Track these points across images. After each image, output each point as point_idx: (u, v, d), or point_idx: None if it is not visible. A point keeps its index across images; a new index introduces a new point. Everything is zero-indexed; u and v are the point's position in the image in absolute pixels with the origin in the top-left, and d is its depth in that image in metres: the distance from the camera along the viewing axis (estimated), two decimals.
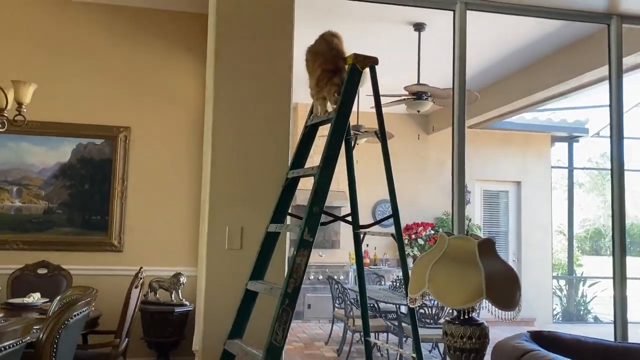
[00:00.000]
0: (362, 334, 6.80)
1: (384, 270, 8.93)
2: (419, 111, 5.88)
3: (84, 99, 4.92)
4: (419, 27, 5.56)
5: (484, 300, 2.03)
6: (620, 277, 4.18)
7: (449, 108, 6.23)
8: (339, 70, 2.47)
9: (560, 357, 2.52)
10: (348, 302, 6.42)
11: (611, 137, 4.37)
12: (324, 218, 2.47)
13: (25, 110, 3.79)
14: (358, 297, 6.66)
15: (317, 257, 8.42)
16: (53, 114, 4.77)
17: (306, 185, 2.75)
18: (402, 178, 2.73)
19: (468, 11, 3.91)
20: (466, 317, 2.15)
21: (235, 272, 2.86)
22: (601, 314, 9.82)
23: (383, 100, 2.77)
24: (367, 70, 2.57)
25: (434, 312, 5.84)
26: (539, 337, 2.85)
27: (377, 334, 6.33)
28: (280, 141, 3.05)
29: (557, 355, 2.55)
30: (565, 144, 10.54)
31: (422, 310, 5.76)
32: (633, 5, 4.11)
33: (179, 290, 4.65)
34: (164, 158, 5.03)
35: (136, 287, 3.77)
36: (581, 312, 10.13)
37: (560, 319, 10.00)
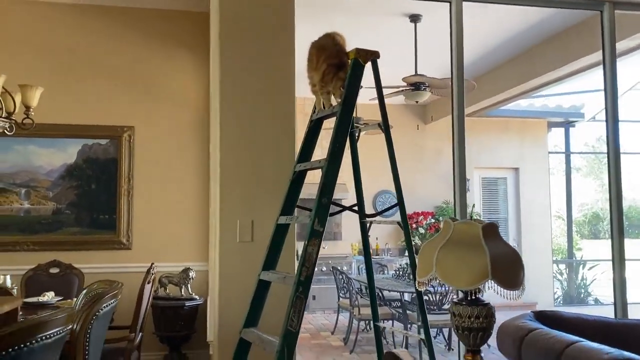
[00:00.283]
0: (367, 322, 6.95)
1: (387, 260, 9.03)
2: (417, 102, 5.96)
3: (88, 100, 5.00)
4: (414, 18, 5.64)
5: (490, 281, 2.12)
6: (619, 259, 4.27)
7: (446, 98, 6.32)
8: (344, 65, 2.55)
9: (563, 334, 2.62)
10: (353, 292, 6.52)
11: (607, 121, 4.45)
12: (332, 209, 2.56)
13: (33, 113, 3.86)
14: (362, 286, 6.80)
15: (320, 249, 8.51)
16: (58, 116, 4.85)
17: (310, 179, 2.84)
18: (400, 168, 2.80)
19: (464, 2, 3.99)
20: (473, 298, 2.25)
21: (247, 263, 2.95)
22: (601, 296, 9.95)
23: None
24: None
25: (437, 298, 5.95)
26: (542, 317, 2.96)
27: (382, 321, 6.44)
28: (286, 136, 3.13)
29: (560, 332, 2.66)
30: (562, 129, 10.63)
31: (426, 297, 5.87)
32: None
33: (189, 285, 4.75)
34: (168, 156, 5.11)
35: (148, 283, 3.86)
36: (582, 295, 10.26)
37: (561, 302, 10.14)
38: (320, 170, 2.49)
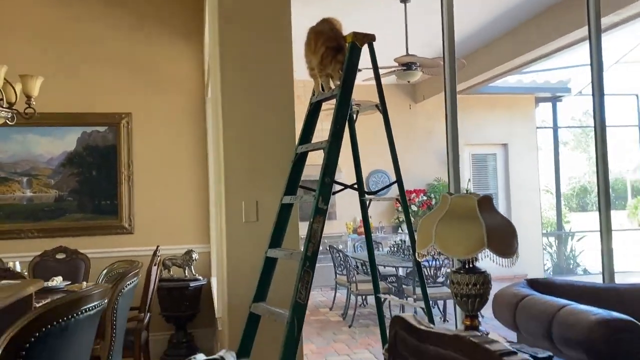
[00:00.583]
0: (364, 297, 7.13)
1: (381, 237, 9.22)
2: (409, 81, 6.07)
3: (85, 88, 5.05)
4: None
5: (486, 250, 2.27)
6: (606, 230, 4.44)
7: (436, 77, 6.43)
8: (342, 48, 2.65)
9: (555, 299, 2.79)
10: (350, 269, 6.70)
11: (593, 94, 4.58)
12: (334, 188, 2.68)
13: (34, 103, 3.93)
14: (357, 263, 6.97)
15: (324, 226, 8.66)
16: (56, 105, 4.90)
17: (310, 161, 2.95)
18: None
19: None
20: (470, 266, 2.40)
21: (253, 242, 3.07)
22: (590, 266, 10.23)
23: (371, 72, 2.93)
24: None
25: (432, 272, 6.13)
26: (535, 284, 3.13)
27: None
28: (286, 118, 3.23)
29: (552, 297, 2.83)
30: (549, 104, 10.80)
31: None
32: None
33: (192, 266, 4.88)
34: (166, 141, 5.20)
35: (155, 265, 3.98)
36: (571, 266, 10.54)
37: (551, 273, 10.41)
38: (320, 151, 2.61)
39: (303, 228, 2.96)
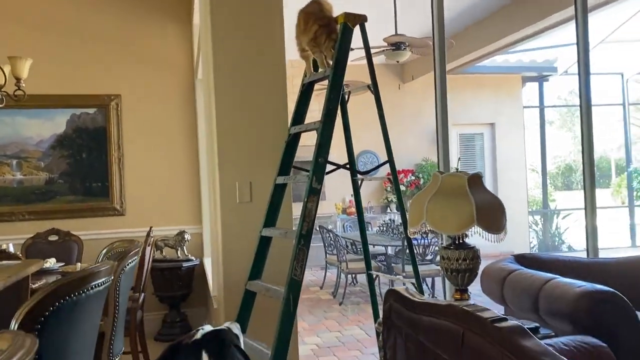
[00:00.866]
0: (353, 276, 7.24)
1: (370, 217, 9.32)
2: (398, 61, 6.10)
3: (74, 70, 5.02)
4: None
5: (475, 226, 2.34)
6: (590, 208, 4.54)
7: (425, 57, 6.46)
8: (334, 29, 2.68)
9: (540, 273, 2.89)
10: (340, 248, 6.79)
11: (579, 74, 4.64)
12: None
13: (24, 85, 3.91)
14: (347, 242, 7.06)
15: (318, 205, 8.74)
16: (45, 87, 4.87)
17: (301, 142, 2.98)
18: (380, 128, 2.98)
19: None
20: (460, 242, 2.47)
21: (247, 222, 3.13)
22: (574, 243, 10.44)
23: (362, 52, 2.97)
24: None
25: (421, 250, 6.24)
26: (522, 259, 3.23)
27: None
28: (279, 99, 3.26)
29: (538, 271, 2.93)
30: (536, 84, 10.89)
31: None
32: None
33: (184, 247, 4.93)
34: (156, 122, 5.20)
35: (149, 246, 4.02)
36: (556, 243, 10.75)
37: (537, 250, 10.60)
38: (310, 133, 2.65)
39: (295, 209, 3.02)
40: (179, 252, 4.92)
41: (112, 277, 1.80)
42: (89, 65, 5.05)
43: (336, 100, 2.64)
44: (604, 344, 2.21)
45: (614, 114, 11.98)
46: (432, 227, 2.44)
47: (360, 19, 2.79)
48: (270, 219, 2.89)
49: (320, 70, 2.82)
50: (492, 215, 2.41)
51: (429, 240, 6.25)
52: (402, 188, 9.73)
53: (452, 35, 7.60)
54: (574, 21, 4.79)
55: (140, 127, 5.17)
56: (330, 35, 2.65)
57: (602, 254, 4.62)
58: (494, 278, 3.16)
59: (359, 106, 5.29)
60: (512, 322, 1.26)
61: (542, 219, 11.01)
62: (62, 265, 4.09)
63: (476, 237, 2.46)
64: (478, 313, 1.32)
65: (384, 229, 7.35)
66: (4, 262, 2.82)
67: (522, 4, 6.77)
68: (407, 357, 1.74)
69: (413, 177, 9.91)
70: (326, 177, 2.70)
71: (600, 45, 9.58)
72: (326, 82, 2.70)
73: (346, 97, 3.21)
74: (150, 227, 4.28)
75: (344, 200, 9.70)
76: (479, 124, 10.56)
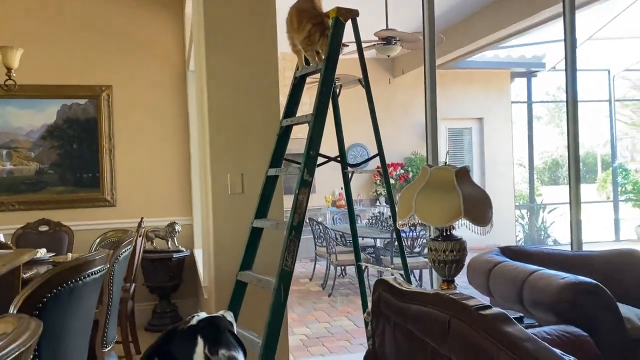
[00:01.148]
0: (342, 268, 7.31)
1: (359, 210, 9.38)
2: (388, 56, 6.14)
3: (65, 61, 5.01)
4: None
5: (463, 218, 2.40)
6: (575, 203, 4.63)
7: (415, 51, 6.50)
8: (327, 25, 2.71)
9: (526, 265, 2.97)
10: (330, 240, 6.85)
11: (566, 70, 4.72)
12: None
13: (15, 74, 3.91)
14: (336, 234, 7.12)
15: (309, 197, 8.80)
16: (35, 77, 4.86)
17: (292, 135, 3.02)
18: (370, 122, 3.03)
19: None
20: (447, 234, 2.53)
21: (239, 213, 3.17)
22: (559, 237, 10.59)
23: (353, 47, 3.01)
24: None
25: (410, 242, 6.32)
26: (508, 251, 3.30)
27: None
28: (271, 91, 3.29)
29: (523, 263, 3.00)
30: (524, 79, 10.99)
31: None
32: None
33: (175, 238, 4.96)
34: (147, 114, 5.21)
35: (140, 237, 4.05)
36: (542, 237, 10.90)
37: (522, 244, 10.74)
38: (302, 126, 2.69)
39: (287, 201, 3.06)
40: (169, 243, 4.95)
41: (108, 266, 1.83)
42: (81, 56, 5.04)
43: (327, 94, 2.68)
44: (585, 334, 2.28)
45: (601, 110, 12.13)
46: (420, 219, 2.50)
47: (352, 14, 2.82)
48: (262, 211, 2.93)
49: (312, 64, 2.85)
50: (479, 208, 2.47)
51: (417, 233, 6.33)
52: (392, 181, 9.80)
53: (443, 30, 7.65)
54: (562, 18, 4.86)
55: (131, 118, 5.17)
56: (324, 32, 2.68)
57: (587, 248, 4.72)
58: (480, 270, 3.23)
59: (350, 99, 5.33)
60: (496, 309, 1.32)
61: (529, 213, 11.15)
62: (52, 256, 4.11)
63: (463, 229, 2.52)
64: (464, 301, 1.37)
65: (373, 221, 7.42)
66: None
67: (510, 1, 6.83)
68: (395, 345, 1.80)
69: (402, 171, 9.99)
70: (317, 170, 2.75)
71: (588, 41, 9.69)
72: (318, 75, 2.74)
73: (337, 91, 3.25)
74: (142, 218, 4.31)
75: (334, 193, 9.75)
76: (467, 119, 10.65)
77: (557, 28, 7.12)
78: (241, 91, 3.26)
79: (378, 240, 7.08)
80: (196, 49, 3.61)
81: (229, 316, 1.59)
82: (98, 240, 3.53)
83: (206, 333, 1.51)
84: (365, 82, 2.97)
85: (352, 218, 3.39)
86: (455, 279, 2.55)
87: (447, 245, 2.50)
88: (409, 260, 6.16)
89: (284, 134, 2.98)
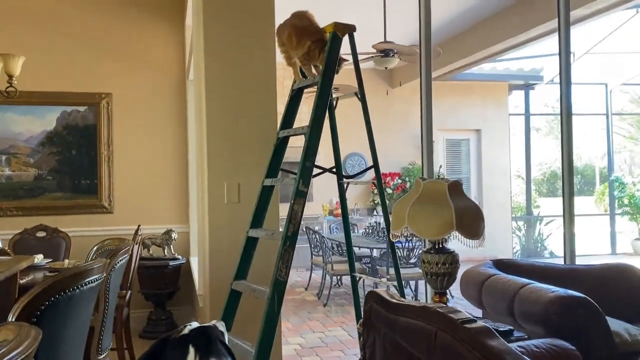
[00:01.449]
0: (339, 278, 7.33)
1: (356, 219, 9.42)
2: (386, 67, 6.20)
3: (66, 68, 5.06)
4: None
5: (455, 231, 2.44)
6: (569, 215, 4.67)
7: (412, 63, 6.56)
8: (325, 41, 2.76)
9: (518, 278, 3.00)
10: (326, 250, 6.87)
11: (560, 84, 4.77)
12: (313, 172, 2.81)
13: (16, 82, 3.96)
14: (333, 244, 7.15)
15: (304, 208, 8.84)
16: (36, 84, 4.91)
17: (290, 143, 3.06)
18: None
19: None
20: (440, 247, 2.57)
21: (235, 222, 3.20)
22: (556, 249, 10.62)
23: (351, 58, 3.06)
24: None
25: (405, 253, 6.35)
26: (500, 264, 3.33)
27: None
28: (269, 102, 3.34)
29: (515, 276, 3.04)
30: (522, 92, 11.08)
31: None
32: None
33: (171, 246, 4.98)
34: (146, 121, 5.25)
35: (137, 244, 4.07)
36: (538, 249, 10.92)
37: (519, 256, 10.77)
38: (299, 136, 2.73)
39: (283, 209, 3.10)
40: (165, 251, 4.97)
41: (105, 274, 1.87)
42: (81, 64, 5.09)
43: (324, 107, 2.73)
44: (573, 347, 2.31)
45: (600, 123, 12.21)
46: (413, 231, 2.54)
47: (349, 29, 2.87)
48: (257, 220, 2.96)
49: (308, 77, 2.90)
50: (471, 222, 2.50)
51: (413, 244, 6.36)
52: (389, 191, 9.85)
53: (440, 44, 7.73)
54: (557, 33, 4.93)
55: (130, 126, 5.21)
56: (322, 48, 2.74)
57: (583, 261, 4.75)
58: (473, 282, 3.26)
59: (348, 108, 5.38)
60: (480, 323, 1.35)
61: (525, 225, 11.19)
62: (49, 262, 4.13)
63: (455, 242, 2.56)
64: (450, 314, 1.41)
65: (370, 231, 7.44)
66: None
67: (507, 16, 6.91)
68: (384, 356, 1.83)
69: (400, 181, 10.04)
70: (314, 179, 2.78)
71: (586, 56, 9.78)
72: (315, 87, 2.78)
73: (334, 103, 3.30)
74: (139, 226, 4.33)
75: (331, 202, 9.79)
76: (465, 130, 10.71)
77: (554, 41, 7.19)
78: (239, 101, 3.31)
79: (374, 250, 7.10)
80: (195, 58, 3.66)
81: (221, 326, 1.62)
82: (95, 248, 3.56)
83: (198, 342, 1.54)
84: (361, 95, 3.02)
85: (347, 229, 3.43)
86: (453, 292, 2.59)
87: (440, 258, 2.54)
88: (404, 271, 6.23)
89: (281, 145, 3.02)
